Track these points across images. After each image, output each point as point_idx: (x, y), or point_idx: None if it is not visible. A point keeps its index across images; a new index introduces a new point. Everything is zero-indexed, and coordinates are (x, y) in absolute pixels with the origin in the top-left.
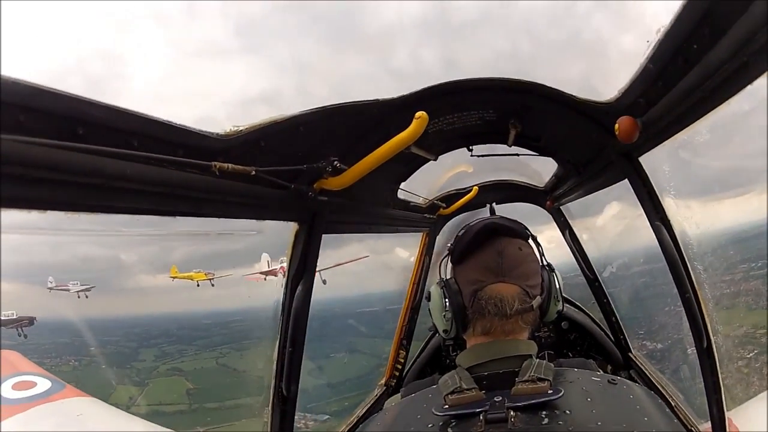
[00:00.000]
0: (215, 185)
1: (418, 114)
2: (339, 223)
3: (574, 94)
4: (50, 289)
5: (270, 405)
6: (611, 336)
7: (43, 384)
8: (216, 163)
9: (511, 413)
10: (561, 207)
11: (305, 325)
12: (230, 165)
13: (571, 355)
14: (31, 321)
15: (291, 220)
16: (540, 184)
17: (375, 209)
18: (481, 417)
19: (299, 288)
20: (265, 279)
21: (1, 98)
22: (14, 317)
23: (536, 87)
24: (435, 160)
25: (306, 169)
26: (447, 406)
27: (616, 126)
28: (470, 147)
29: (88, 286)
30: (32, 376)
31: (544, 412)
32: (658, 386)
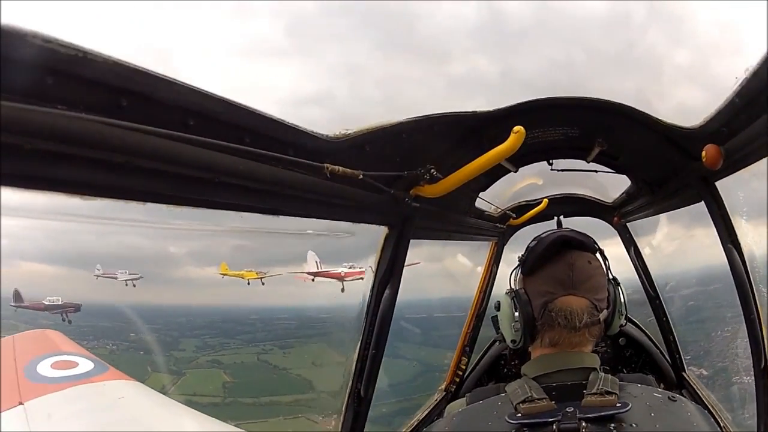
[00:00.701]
0: (321, 186)
1: (516, 128)
2: (425, 229)
3: (660, 118)
4: (97, 276)
5: (344, 404)
6: (666, 354)
7: (86, 365)
8: (328, 165)
9: (583, 424)
10: (627, 224)
11: (389, 327)
12: (340, 168)
13: (625, 371)
14: (77, 308)
15: (383, 224)
16: (608, 200)
17: (456, 216)
18: (554, 426)
19: (386, 291)
20: (313, 280)
21: (109, 82)
22: (59, 303)
23: (625, 108)
24: (516, 171)
25: (406, 175)
26: (520, 415)
27: (703, 153)
28: (550, 161)
29: (136, 276)
30: (74, 356)
31: (612, 425)
32: (710, 406)
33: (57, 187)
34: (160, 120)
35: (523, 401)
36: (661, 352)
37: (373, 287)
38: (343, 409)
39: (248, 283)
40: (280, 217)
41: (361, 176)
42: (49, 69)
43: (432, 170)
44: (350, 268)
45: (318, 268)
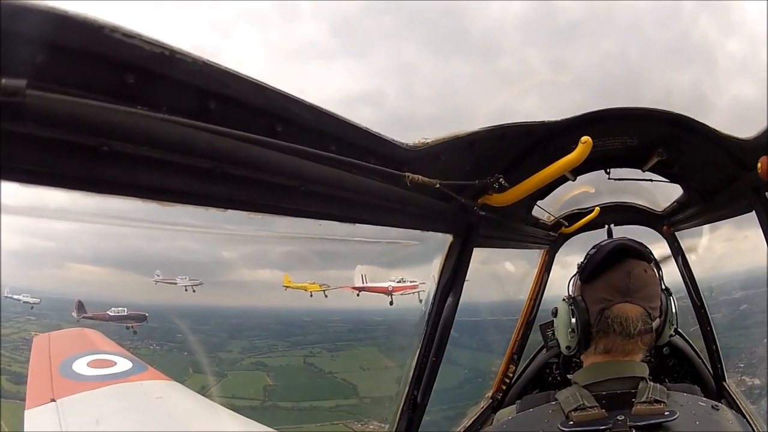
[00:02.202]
0: (397, 195)
1: (584, 139)
2: (486, 237)
3: (717, 129)
4: (156, 281)
5: (399, 410)
6: (707, 363)
7: (124, 364)
8: (408, 173)
9: None
10: (676, 233)
11: (449, 335)
12: (419, 176)
13: (667, 381)
14: (142, 318)
15: (449, 233)
16: (658, 209)
17: (514, 224)
18: None
19: (449, 299)
20: (358, 295)
21: (196, 84)
22: (125, 314)
23: (684, 120)
24: (574, 180)
25: (477, 184)
26: (572, 423)
27: (759, 164)
28: (608, 170)
29: (196, 281)
30: (112, 355)
31: None
32: (748, 416)
33: (136, 193)
34: (247, 125)
35: (575, 409)
36: (702, 362)
37: (435, 295)
38: (398, 415)
39: (311, 296)
40: (356, 225)
41: (437, 185)
42: (130, 66)
43: (500, 179)
44: (398, 282)
45: (364, 283)
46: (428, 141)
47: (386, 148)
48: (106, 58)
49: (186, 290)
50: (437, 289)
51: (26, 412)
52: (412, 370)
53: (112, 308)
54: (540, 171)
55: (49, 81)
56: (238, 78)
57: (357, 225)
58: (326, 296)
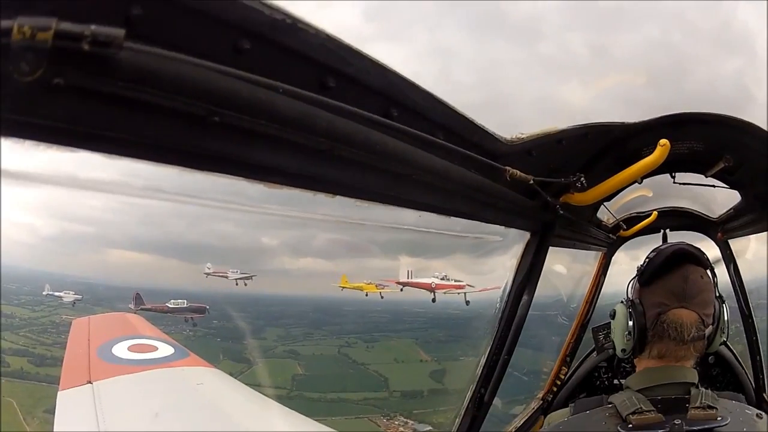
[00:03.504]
0: (494, 189)
1: (663, 142)
2: (559, 237)
3: None
4: (207, 274)
5: (464, 408)
6: (749, 374)
7: (165, 349)
8: (508, 168)
9: None
10: (730, 241)
11: (520, 333)
12: (518, 171)
13: (709, 389)
14: (202, 310)
15: (528, 230)
16: (712, 215)
17: (583, 225)
18: None
19: (524, 297)
20: (401, 290)
21: (316, 57)
22: (184, 306)
23: (750, 126)
24: (640, 183)
25: (562, 182)
26: (631, 426)
27: None
28: (673, 174)
29: (248, 275)
30: (154, 340)
31: None
32: None
33: (245, 172)
34: (363, 106)
35: (633, 413)
36: (745, 372)
37: (510, 292)
38: (461, 412)
39: (366, 295)
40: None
41: (531, 181)
42: (247, 31)
43: (582, 178)
44: (442, 279)
45: (409, 278)
46: (523, 136)
47: (488, 140)
48: (221, 18)
49: (236, 284)
50: (512, 286)
51: (59, 393)
52: (481, 368)
53: (171, 300)
54: (618, 172)
55: (147, 36)
56: (359, 55)
57: (451, 218)
58: (382, 297)
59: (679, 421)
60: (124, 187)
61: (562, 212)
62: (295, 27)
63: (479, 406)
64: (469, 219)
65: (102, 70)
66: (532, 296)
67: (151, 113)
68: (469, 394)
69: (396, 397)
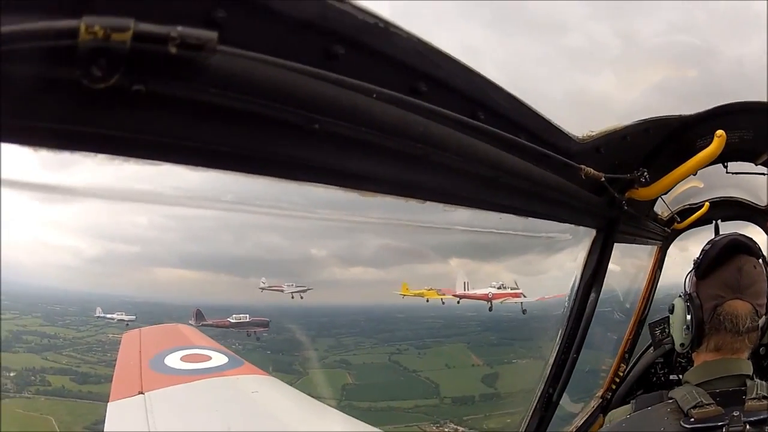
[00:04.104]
0: (567, 188)
1: (719, 133)
2: (622, 232)
3: None
4: (263, 289)
5: (532, 408)
6: None
7: (219, 359)
8: (584, 166)
9: (747, 427)
10: None
11: (587, 331)
12: (591, 170)
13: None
14: (265, 324)
15: (594, 227)
16: (762, 204)
17: (642, 219)
18: (723, 430)
19: (591, 294)
20: (458, 302)
21: (409, 62)
22: (246, 320)
23: None
24: (695, 175)
25: (628, 177)
26: (693, 420)
27: None
28: (725, 164)
29: (304, 288)
30: (207, 350)
31: (767, 427)
32: None
33: (342, 181)
34: (453, 110)
35: (695, 407)
36: None
37: (577, 291)
38: (530, 413)
39: (427, 301)
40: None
41: (602, 178)
42: (340, 36)
43: (645, 173)
44: (499, 288)
45: (466, 290)
46: (593, 134)
47: (563, 140)
48: (312, 22)
49: (292, 297)
50: (579, 284)
51: (109, 404)
52: (549, 367)
53: (234, 315)
54: (675, 165)
55: (234, 40)
56: (448, 59)
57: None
58: (443, 303)
59: (738, 413)
60: (197, 200)
61: (627, 208)
62: (387, 31)
63: (547, 407)
64: (542, 218)
65: (191, 75)
66: (599, 294)
67: (245, 122)
68: (537, 394)
69: (446, 404)
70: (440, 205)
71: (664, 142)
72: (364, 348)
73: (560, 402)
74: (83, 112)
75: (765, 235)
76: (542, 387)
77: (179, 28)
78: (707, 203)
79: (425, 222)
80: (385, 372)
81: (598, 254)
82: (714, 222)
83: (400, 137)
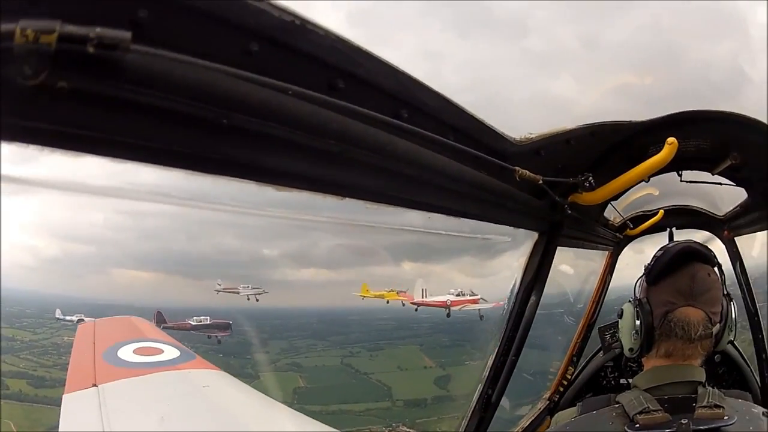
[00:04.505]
0: (503, 190)
1: (670, 140)
2: (567, 236)
3: None
4: (218, 291)
5: (471, 409)
6: (756, 373)
7: (171, 352)
8: (518, 168)
9: None
10: (736, 239)
11: (528, 334)
12: (527, 172)
13: (715, 388)
14: (227, 326)
15: (536, 230)
16: (718, 213)
17: (590, 224)
18: None
19: (531, 297)
20: (416, 309)
21: (326, 59)
22: (207, 323)
23: (757, 123)
24: (647, 182)
25: (570, 182)
26: (638, 426)
27: None
28: (680, 172)
29: (259, 289)
30: (160, 343)
31: None
32: None
33: (254, 176)
34: (373, 108)
35: (641, 412)
36: (751, 371)
37: (517, 293)
38: (468, 413)
39: (387, 302)
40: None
41: (540, 181)
42: (255, 34)
43: (590, 178)
44: (457, 295)
45: (424, 297)
46: (532, 136)
47: (497, 141)
48: (229, 20)
49: (248, 299)
50: (520, 287)
51: (65, 396)
52: (488, 369)
53: (194, 317)
54: (626, 171)
55: (154, 39)
56: (369, 57)
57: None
58: (403, 305)
59: (686, 421)
60: (128, 192)
61: (570, 212)
62: (304, 28)
63: (486, 408)
64: (478, 220)
65: (108, 73)
66: (540, 297)
67: (159, 116)
68: (476, 396)
69: (399, 407)
70: (385, 206)
71: (614, 147)
72: (317, 350)
73: (504, 403)
74: (19, 106)
75: (722, 244)
76: (481, 388)
77: (97, 29)
78: (662, 211)
79: (369, 222)
80: (337, 375)
81: (539, 257)
82: (669, 230)
83: (314, 134)
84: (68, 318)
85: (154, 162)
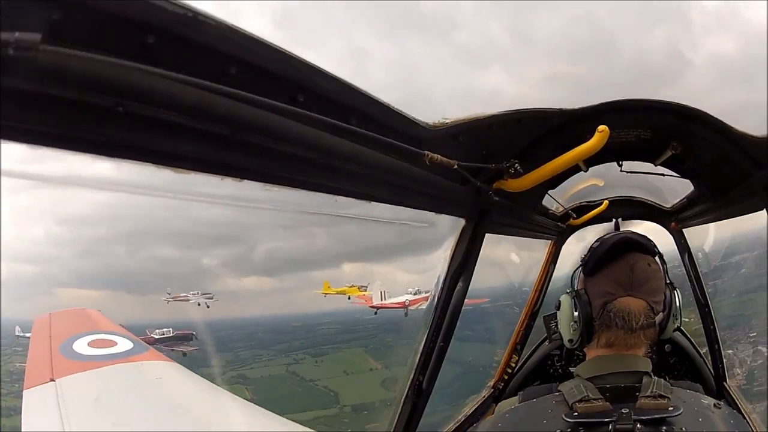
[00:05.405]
0: (414, 174)
1: (601, 128)
2: (497, 223)
3: (731, 125)
4: (168, 301)
5: (403, 396)
6: (708, 363)
7: (125, 344)
8: (428, 152)
9: (638, 426)
10: (684, 230)
11: (457, 320)
12: (438, 156)
13: (668, 378)
14: (189, 337)
15: (462, 216)
16: (666, 204)
17: (525, 213)
18: (610, 427)
19: (459, 284)
20: (375, 313)
21: (218, 48)
22: (170, 335)
23: (701, 115)
24: (586, 171)
25: (493, 168)
26: (576, 414)
27: None
28: (620, 162)
29: (209, 294)
30: (113, 335)
31: (664, 427)
32: (748, 417)
33: (150, 157)
34: (268, 93)
35: (580, 401)
36: (704, 361)
37: (445, 279)
38: (401, 400)
39: (349, 299)
40: (371, 203)
41: (455, 166)
42: (151, 27)
43: (516, 164)
44: (415, 294)
45: (383, 299)
46: (447, 121)
47: (406, 125)
48: (127, 16)
49: (199, 305)
50: (447, 273)
51: (24, 392)
52: (419, 355)
53: (156, 330)
54: (555, 158)
55: (65, 38)
56: (261, 44)
57: (372, 204)
58: (376, 315)
59: (627, 410)
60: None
61: (497, 199)
62: (196, 20)
63: (419, 394)
64: (394, 204)
65: (24, 71)
66: (468, 283)
67: (67, 107)
68: (408, 382)
69: (346, 413)
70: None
71: (546, 135)
72: (262, 360)
73: (444, 390)
74: None
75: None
76: (412, 375)
77: (16, 34)
78: (606, 201)
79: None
80: (282, 384)
81: (467, 244)
82: (614, 220)
83: (204, 118)
84: (28, 335)
85: (66, 147)
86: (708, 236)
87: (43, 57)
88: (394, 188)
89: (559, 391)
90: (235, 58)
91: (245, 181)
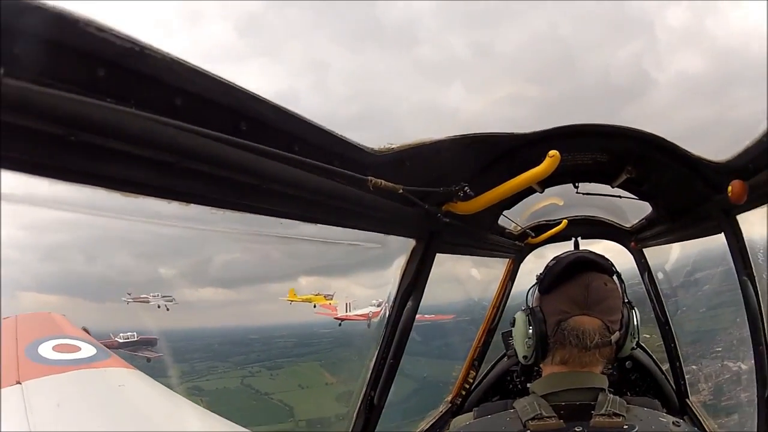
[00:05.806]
0: (360, 198)
1: (552, 153)
2: (450, 243)
3: (688, 150)
4: (128, 302)
5: (356, 412)
6: (671, 380)
7: (88, 350)
8: (372, 177)
9: None
10: (644, 249)
11: (407, 338)
12: (382, 181)
13: (629, 395)
14: (153, 342)
15: (412, 237)
16: (626, 225)
17: (479, 233)
18: None
19: (409, 302)
20: (340, 324)
21: (164, 80)
22: (135, 339)
23: (657, 139)
24: (542, 192)
25: (441, 191)
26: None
27: (729, 187)
28: (576, 184)
29: (169, 298)
30: (76, 340)
31: None
32: None
33: (101, 182)
34: (212, 122)
35: (533, 418)
36: (666, 378)
37: (395, 298)
38: (354, 415)
39: (315, 307)
40: (319, 225)
41: (400, 190)
42: (101, 60)
43: (465, 188)
44: (378, 306)
45: (348, 311)
46: (393, 147)
47: (350, 151)
48: (80, 50)
49: (159, 308)
50: (398, 292)
51: None
52: (370, 371)
53: (120, 334)
54: (506, 182)
55: (24, 71)
56: (205, 76)
57: (320, 226)
58: (342, 322)
59: (581, 429)
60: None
61: (448, 220)
62: (142, 53)
63: (370, 409)
64: (341, 227)
65: None
66: (419, 302)
67: (25, 135)
68: (360, 397)
69: (302, 428)
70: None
71: (498, 159)
72: (218, 372)
73: (398, 405)
74: None
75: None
76: (364, 390)
77: None
78: (565, 221)
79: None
80: (237, 397)
81: (417, 263)
82: (574, 239)
83: (150, 147)
84: None
85: (23, 171)
86: (668, 255)
87: (4, 90)
88: (341, 211)
89: (513, 408)
90: (180, 89)
91: (191, 204)
